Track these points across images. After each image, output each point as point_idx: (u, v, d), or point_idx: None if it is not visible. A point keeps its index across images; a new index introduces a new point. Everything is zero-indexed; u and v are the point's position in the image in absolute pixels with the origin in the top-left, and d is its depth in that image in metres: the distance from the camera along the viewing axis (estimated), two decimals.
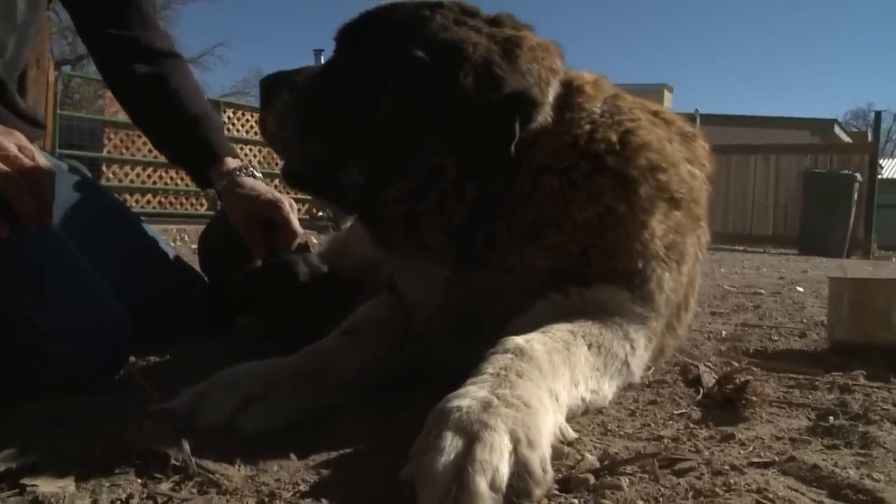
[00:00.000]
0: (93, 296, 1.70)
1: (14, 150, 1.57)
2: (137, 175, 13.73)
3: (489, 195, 1.60)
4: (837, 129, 23.12)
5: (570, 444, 1.26)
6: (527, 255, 1.62)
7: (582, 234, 1.59)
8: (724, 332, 2.82)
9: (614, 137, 1.61)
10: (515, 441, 1.02)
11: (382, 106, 1.63)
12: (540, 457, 1.04)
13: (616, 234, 1.59)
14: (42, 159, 1.64)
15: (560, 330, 1.44)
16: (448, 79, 1.53)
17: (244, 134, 14.85)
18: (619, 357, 1.56)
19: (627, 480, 1.09)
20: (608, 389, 1.53)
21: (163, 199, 14.26)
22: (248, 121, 14.88)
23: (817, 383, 1.85)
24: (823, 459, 1.21)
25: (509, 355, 1.26)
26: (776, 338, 2.77)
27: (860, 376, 1.92)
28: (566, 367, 1.36)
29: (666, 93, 32.01)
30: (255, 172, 2.41)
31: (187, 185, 13.89)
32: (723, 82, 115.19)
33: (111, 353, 1.70)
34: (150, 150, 13.33)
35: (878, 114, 16.57)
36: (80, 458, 1.19)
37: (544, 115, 1.60)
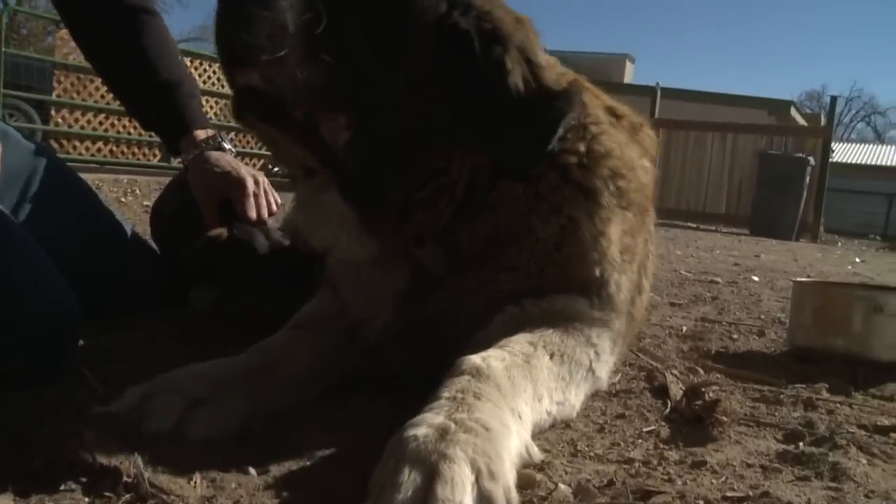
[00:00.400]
0: (39, 278, 1.60)
1: None
2: (88, 122, 13.24)
3: (471, 197, 1.54)
4: (794, 111, 23.44)
5: (540, 468, 1.23)
6: (489, 278, 1.58)
7: (542, 249, 1.56)
8: (684, 328, 2.82)
9: (582, 148, 1.59)
10: (477, 472, 0.98)
11: (402, 62, 1.47)
12: (504, 487, 1.00)
13: (575, 245, 1.57)
14: None
15: (519, 342, 1.40)
16: (494, 65, 1.45)
17: (202, 85, 14.40)
18: (583, 364, 1.52)
19: None
20: (575, 399, 1.50)
21: (114, 148, 13.84)
22: (205, 71, 14.41)
23: (782, 397, 1.85)
24: (797, 495, 1.19)
25: (466, 377, 1.21)
26: (736, 336, 2.78)
27: (822, 389, 1.93)
28: (528, 382, 1.32)
29: (628, 63, 32.08)
30: (225, 144, 2.32)
31: (140, 135, 13.46)
32: (685, 55, 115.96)
33: (58, 340, 1.60)
34: (102, 96, 12.89)
35: (834, 98, 16.83)
36: (20, 472, 1.11)
37: None
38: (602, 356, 1.59)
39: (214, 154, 2.27)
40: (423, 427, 1.05)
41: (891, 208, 28.42)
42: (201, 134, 2.30)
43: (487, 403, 1.15)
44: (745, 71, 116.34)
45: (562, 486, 1.16)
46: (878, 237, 21.98)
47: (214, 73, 14.24)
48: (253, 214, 2.22)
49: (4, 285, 1.54)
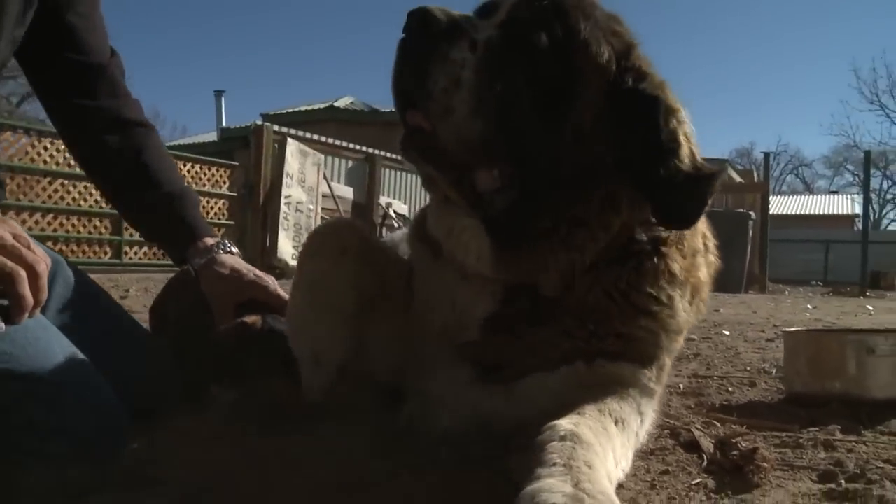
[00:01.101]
0: (92, 392, 1.64)
1: (10, 239, 1.52)
2: (36, 222, 13.10)
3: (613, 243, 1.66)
4: (729, 170, 24.39)
5: None
6: (579, 328, 1.68)
7: (654, 328, 1.70)
8: (681, 386, 2.94)
9: (692, 276, 1.78)
10: None
11: (571, 117, 1.58)
12: None
13: (663, 334, 1.72)
14: (39, 249, 1.59)
15: (592, 410, 1.49)
16: (673, 134, 1.59)
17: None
18: (633, 429, 1.62)
19: None
20: (628, 463, 1.59)
21: (64, 248, 13.67)
22: (182, 170, 14.41)
23: (801, 441, 1.96)
24: None
25: (569, 443, 1.28)
26: (731, 389, 2.90)
27: (836, 430, 2.05)
28: (609, 450, 1.40)
29: None
30: (232, 248, 2.38)
31: (89, 233, 13.38)
32: None
33: (110, 450, 1.63)
34: (49, 196, 12.80)
35: (767, 155, 17.72)
36: None
37: None
38: (645, 423, 1.70)
39: (227, 258, 2.33)
40: (559, 496, 1.11)
41: (828, 254, 29.45)
42: (209, 241, 2.37)
43: (598, 472, 1.23)
44: None
45: None
46: (819, 283, 22.74)
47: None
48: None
49: (59, 398, 1.57)
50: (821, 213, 36.76)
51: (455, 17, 1.53)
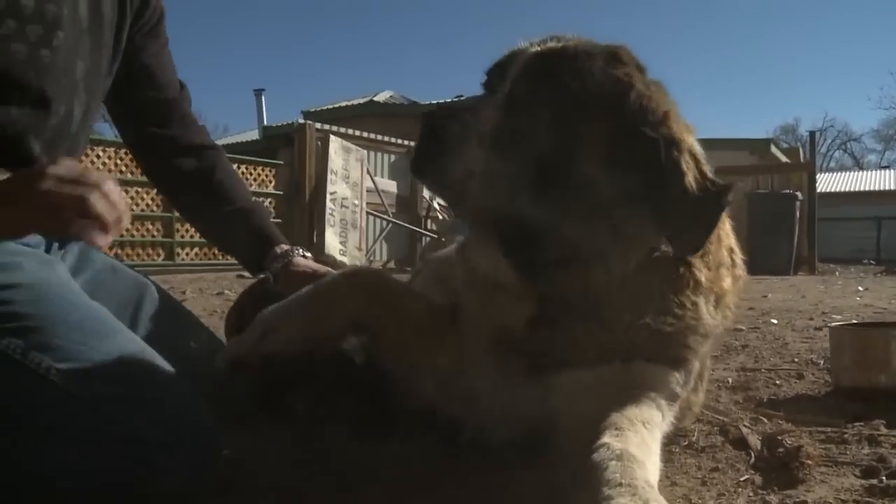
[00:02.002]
0: (191, 406, 1.79)
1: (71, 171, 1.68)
2: None
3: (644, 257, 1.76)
4: (774, 149, 24.02)
5: None
6: (633, 330, 1.77)
7: (690, 331, 1.80)
8: (730, 380, 3.04)
9: (716, 286, 1.87)
10: None
11: (574, 173, 1.70)
12: None
13: (691, 336, 1.82)
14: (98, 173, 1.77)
15: (627, 422, 1.60)
16: (675, 167, 1.65)
17: None
18: (659, 432, 1.71)
19: None
20: (658, 456, 1.66)
21: (119, 251, 14.10)
22: None
23: (846, 436, 2.06)
24: None
25: (627, 463, 1.39)
26: (779, 382, 2.99)
27: (881, 426, 2.14)
28: (651, 462, 1.51)
29: None
30: (306, 253, 2.55)
31: (143, 236, 13.78)
32: None
33: (210, 460, 1.79)
34: None
35: (813, 133, 17.48)
36: None
37: None
38: (665, 421, 1.78)
39: (301, 260, 2.50)
40: None
41: (880, 231, 28.88)
42: (284, 247, 2.54)
43: (655, 489, 1.35)
44: (720, 113, 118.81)
45: None
46: (872, 261, 22.34)
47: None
48: None
49: (164, 414, 1.73)
50: (871, 189, 36.00)
51: (461, 117, 1.73)
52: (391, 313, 2.12)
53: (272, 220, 2.67)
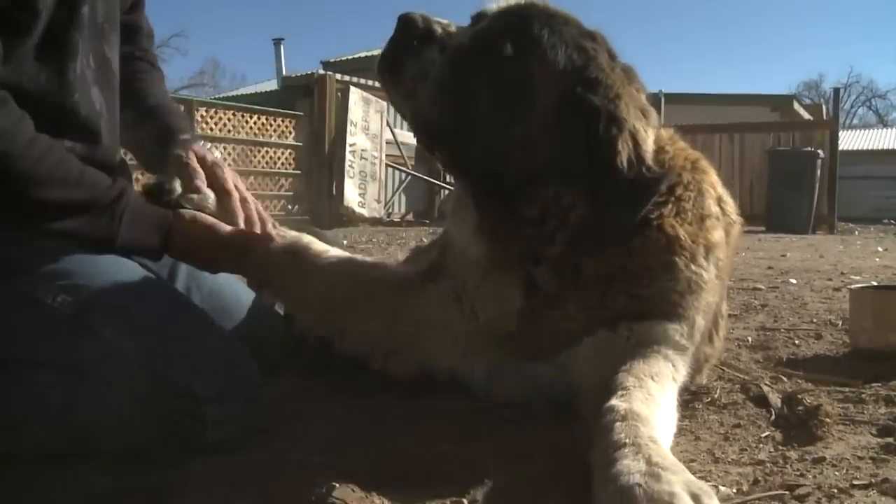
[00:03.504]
0: (237, 360, 1.87)
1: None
2: None
3: (588, 232, 1.83)
4: (796, 105, 23.75)
5: (694, 473, 1.51)
6: (609, 298, 1.86)
7: (666, 290, 1.86)
8: (749, 339, 3.11)
9: (701, 238, 1.91)
10: (696, 499, 1.23)
11: (524, 121, 1.80)
12: (712, 497, 1.25)
13: (692, 296, 1.89)
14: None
15: (632, 379, 1.67)
16: (611, 143, 1.73)
17: (218, 132, 14.59)
18: (669, 380, 1.79)
19: None
20: (674, 411, 1.75)
21: None
22: (220, 118, 14.66)
23: (864, 395, 2.13)
24: None
25: (631, 422, 1.46)
26: (798, 342, 3.06)
27: None
28: (659, 414, 1.59)
29: None
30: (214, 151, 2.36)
31: None
32: (680, 60, 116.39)
33: (256, 412, 1.87)
34: None
35: (837, 91, 17.24)
36: None
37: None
38: (679, 371, 1.86)
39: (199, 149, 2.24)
40: (637, 475, 1.28)
41: None
42: (186, 136, 2.28)
43: (662, 444, 1.41)
44: (742, 69, 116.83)
45: (722, 487, 1.45)
46: (892, 221, 22.18)
47: (211, 118, 14.47)
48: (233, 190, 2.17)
49: (213, 368, 1.80)
50: (895, 147, 35.50)
51: (431, 25, 1.89)
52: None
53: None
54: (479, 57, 1.83)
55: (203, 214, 2.00)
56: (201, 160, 2.14)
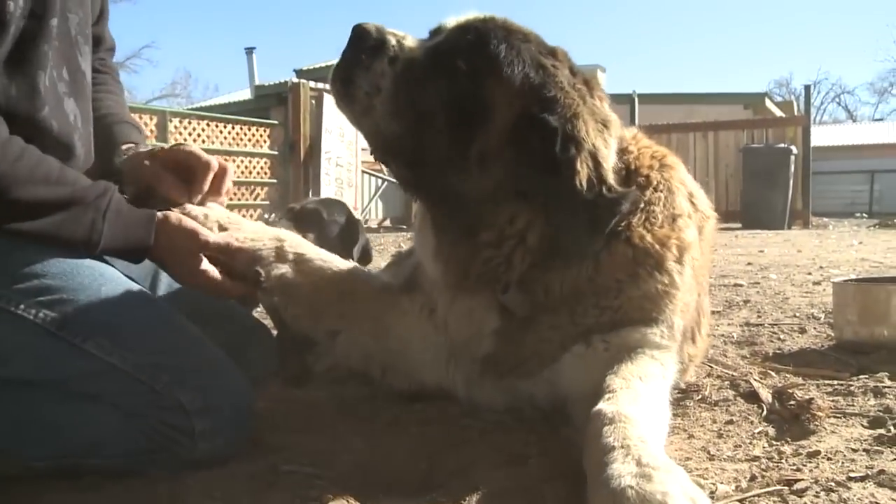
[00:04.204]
0: (225, 372, 1.84)
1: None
2: None
3: (551, 252, 1.81)
4: (768, 103, 23.98)
5: (690, 472, 1.50)
6: (578, 314, 1.85)
7: (636, 299, 1.85)
8: (734, 335, 3.12)
9: (673, 239, 1.88)
10: (692, 500, 1.21)
11: (479, 140, 1.75)
12: (705, 501, 1.24)
13: (664, 301, 1.87)
14: None
15: (617, 381, 1.66)
16: (569, 163, 1.69)
17: (192, 143, 14.50)
18: (658, 378, 1.77)
19: None
20: (666, 406, 1.73)
21: None
22: (195, 129, 14.49)
23: (852, 388, 2.14)
24: None
25: (621, 424, 1.44)
26: (783, 336, 3.07)
27: (885, 377, 2.22)
28: (649, 413, 1.56)
29: (599, 73, 32.63)
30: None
31: None
32: (653, 61, 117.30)
33: (244, 424, 1.84)
34: None
35: (808, 87, 17.41)
36: None
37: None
38: (668, 369, 1.84)
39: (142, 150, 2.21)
40: (628, 477, 1.27)
41: (873, 185, 29.00)
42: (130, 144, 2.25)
43: (652, 444, 1.39)
44: (714, 67, 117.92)
45: (720, 485, 1.44)
46: (865, 215, 22.49)
47: (185, 128, 14.21)
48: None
49: (200, 381, 1.76)
50: (866, 142, 35.96)
51: (385, 36, 1.80)
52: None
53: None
54: (433, 72, 1.77)
55: (188, 217, 1.96)
56: (150, 153, 2.13)
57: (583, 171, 1.70)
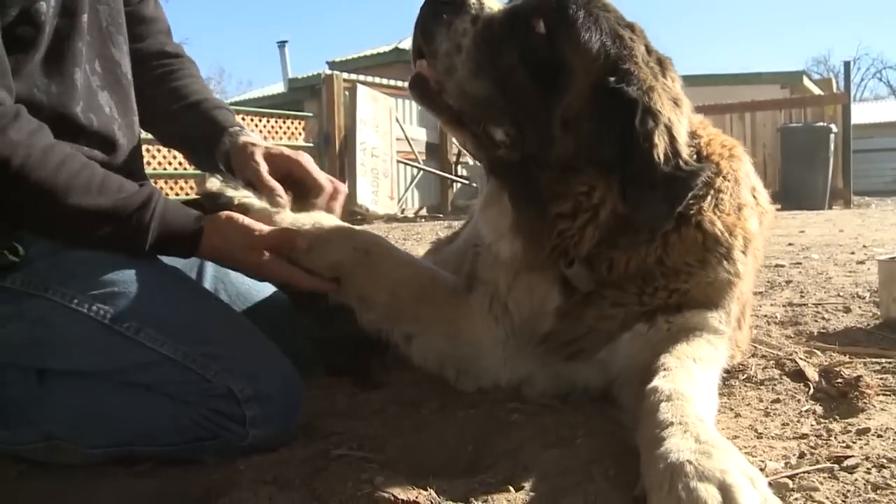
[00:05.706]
0: (273, 360, 1.87)
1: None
2: None
3: (618, 228, 1.81)
4: (806, 81, 23.51)
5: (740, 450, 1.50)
6: (647, 294, 1.85)
7: (705, 285, 1.85)
8: (778, 315, 3.10)
9: (739, 228, 1.89)
10: (749, 479, 1.22)
11: (559, 103, 1.76)
12: (765, 482, 1.25)
13: (727, 288, 1.89)
14: None
15: (673, 360, 1.67)
16: (647, 135, 1.70)
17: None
18: (712, 362, 1.78)
19: (816, 481, 1.34)
20: (715, 389, 1.75)
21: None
22: (255, 126, 14.50)
23: None
24: None
25: (677, 401, 1.46)
26: (827, 316, 3.04)
27: None
28: (702, 394, 1.58)
29: None
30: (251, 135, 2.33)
31: (176, 194, 13.94)
32: (688, 42, 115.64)
33: (294, 410, 1.87)
34: None
35: (848, 64, 17.02)
36: None
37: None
38: (720, 353, 1.85)
39: (253, 135, 2.30)
40: (687, 452, 1.28)
41: None
42: (236, 128, 2.31)
43: (708, 422, 1.41)
44: (750, 47, 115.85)
45: (770, 462, 1.44)
46: None
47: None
48: (326, 183, 2.21)
49: (251, 369, 1.80)
50: None
51: None
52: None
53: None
54: (512, 33, 1.78)
55: (237, 215, 1.94)
56: (266, 152, 2.16)
57: (660, 144, 1.72)
